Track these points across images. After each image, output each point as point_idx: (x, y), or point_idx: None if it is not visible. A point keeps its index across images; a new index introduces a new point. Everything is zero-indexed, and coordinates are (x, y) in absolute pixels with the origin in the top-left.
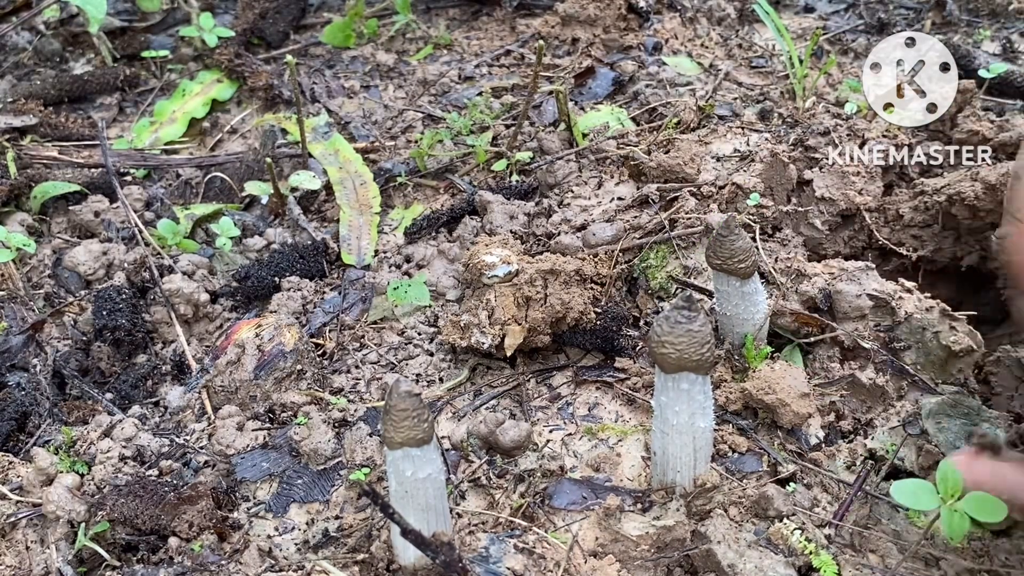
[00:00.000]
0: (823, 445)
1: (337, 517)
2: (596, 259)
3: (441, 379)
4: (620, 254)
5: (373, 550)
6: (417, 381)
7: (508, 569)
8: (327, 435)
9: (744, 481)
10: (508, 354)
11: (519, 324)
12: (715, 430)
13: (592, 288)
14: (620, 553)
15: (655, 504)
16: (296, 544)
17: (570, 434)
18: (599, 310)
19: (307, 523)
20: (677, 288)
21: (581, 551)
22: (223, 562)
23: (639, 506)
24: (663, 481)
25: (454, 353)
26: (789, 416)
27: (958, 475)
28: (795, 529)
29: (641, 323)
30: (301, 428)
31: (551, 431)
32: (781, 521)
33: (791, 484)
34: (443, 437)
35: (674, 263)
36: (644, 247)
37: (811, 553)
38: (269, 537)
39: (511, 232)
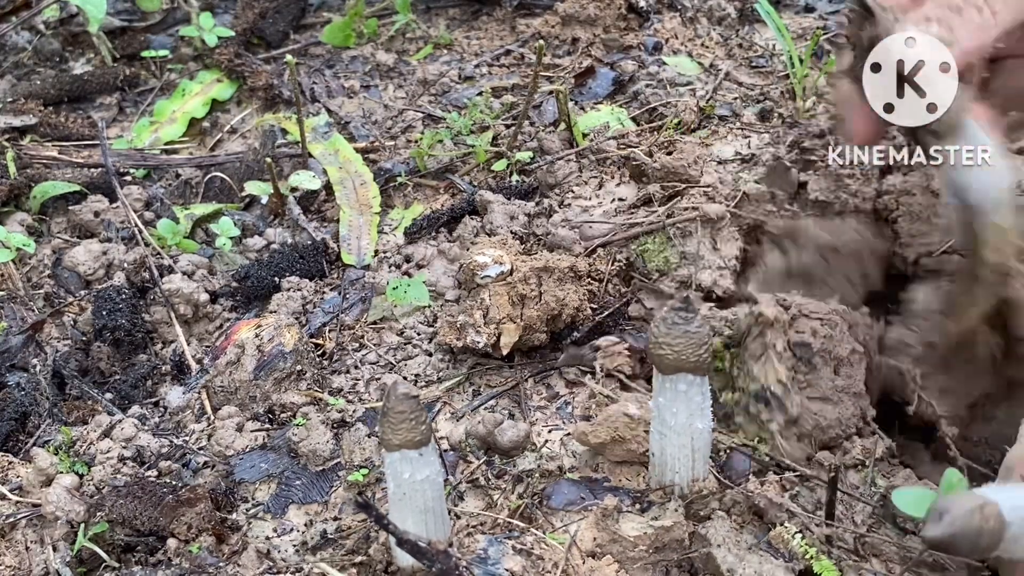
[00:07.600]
0: None
1: (335, 518)
2: (593, 254)
3: (439, 379)
4: (617, 249)
5: (371, 552)
6: (416, 381)
7: (506, 571)
8: (325, 436)
9: (738, 483)
10: (505, 353)
11: (514, 322)
12: (713, 430)
13: (589, 284)
14: (618, 554)
15: (654, 504)
16: (294, 545)
17: (568, 434)
18: (595, 306)
19: (305, 524)
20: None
21: (579, 552)
22: (221, 564)
23: (637, 506)
24: (661, 482)
25: (452, 353)
26: None
27: (964, 482)
28: (796, 533)
29: (636, 303)
30: (299, 429)
31: (550, 431)
32: (782, 524)
33: (796, 488)
34: (442, 437)
35: (671, 251)
36: (640, 236)
37: (811, 558)
38: (267, 539)
39: (511, 232)
